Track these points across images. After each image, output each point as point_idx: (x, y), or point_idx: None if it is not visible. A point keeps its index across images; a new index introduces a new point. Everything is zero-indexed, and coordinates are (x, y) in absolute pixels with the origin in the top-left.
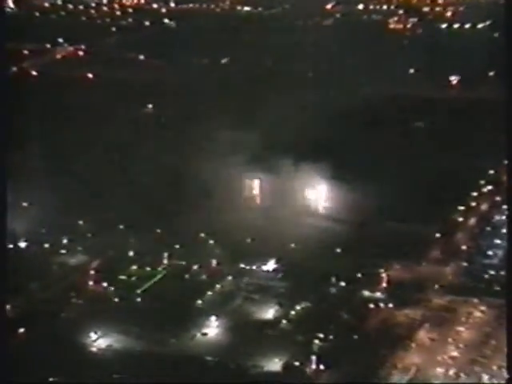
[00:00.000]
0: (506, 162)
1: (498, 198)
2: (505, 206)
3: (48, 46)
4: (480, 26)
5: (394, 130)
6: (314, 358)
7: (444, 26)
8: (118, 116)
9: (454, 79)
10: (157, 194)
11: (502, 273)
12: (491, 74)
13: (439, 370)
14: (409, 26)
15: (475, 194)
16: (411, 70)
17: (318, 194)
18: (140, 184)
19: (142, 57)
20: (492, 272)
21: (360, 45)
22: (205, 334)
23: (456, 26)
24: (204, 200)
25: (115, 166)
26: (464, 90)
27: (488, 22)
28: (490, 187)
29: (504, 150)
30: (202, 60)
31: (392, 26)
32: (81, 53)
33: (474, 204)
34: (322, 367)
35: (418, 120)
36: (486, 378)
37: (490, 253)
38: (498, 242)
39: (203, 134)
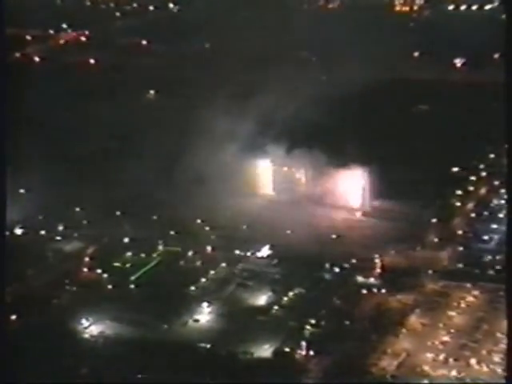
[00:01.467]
0: (506, 146)
1: (496, 183)
2: (503, 191)
3: (51, 31)
4: (487, 7)
5: (396, 113)
6: (304, 343)
7: (451, 7)
8: (119, 102)
9: (459, 62)
10: (152, 181)
11: (498, 257)
12: (496, 56)
13: (429, 355)
14: (415, 7)
15: (473, 178)
16: (416, 53)
17: (314, 181)
18: (136, 171)
19: (144, 42)
20: (488, 257)
21: (365, 27)
22: (197, 321)
23: (463, 7)
24: (199, 187)
25: (112, 153)
26: (469, 72)
27: (495, 4)
28: (489, 171)
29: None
30: (204, 45)
31: (398, 7)
32: (83, 38)
33: (471, 188)
34: (312, 353)
35: (422, 103)
36: (474, 362)
37: (485, 237)
38: (495, 226)
39: (202, 120)
